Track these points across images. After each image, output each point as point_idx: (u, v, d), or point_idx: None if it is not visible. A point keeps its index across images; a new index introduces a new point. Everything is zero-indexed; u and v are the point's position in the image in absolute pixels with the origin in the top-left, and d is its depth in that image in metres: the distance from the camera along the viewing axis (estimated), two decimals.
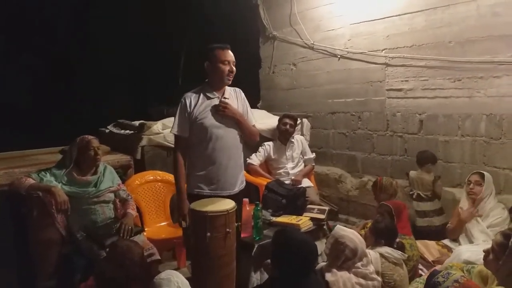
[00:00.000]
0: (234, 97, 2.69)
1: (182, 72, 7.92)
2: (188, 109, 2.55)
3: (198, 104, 2.57)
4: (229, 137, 2.63)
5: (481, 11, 3.45)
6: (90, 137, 2.84)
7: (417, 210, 3.50)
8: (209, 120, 2.56)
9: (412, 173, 3.61)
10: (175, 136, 2.60)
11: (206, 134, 2.56)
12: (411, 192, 3.59)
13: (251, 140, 2.77)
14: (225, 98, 2.59)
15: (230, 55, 2.57)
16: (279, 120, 4.15)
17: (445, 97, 3.77)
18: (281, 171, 4.05)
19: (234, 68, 2.59)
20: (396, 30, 4.06)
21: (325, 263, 2.39)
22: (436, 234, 3.26)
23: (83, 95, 7.45)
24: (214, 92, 2.61)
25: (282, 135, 4.09)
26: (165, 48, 7.67)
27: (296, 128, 4.21)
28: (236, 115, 2.61)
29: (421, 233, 3.28)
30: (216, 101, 2.58)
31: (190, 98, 2.58)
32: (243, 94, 2.76)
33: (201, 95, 2.60)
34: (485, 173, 3.08)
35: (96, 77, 7.49)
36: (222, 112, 2.56)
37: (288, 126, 4.06)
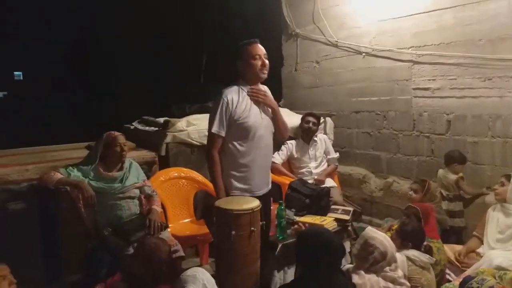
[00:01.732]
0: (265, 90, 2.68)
1: (204, 70, 7.97)
2: (230, 108, 2.49)
3: (239, 102, 2.52)
4: (267, 135, 2.64)
5: None
6: (116, 133, 2.87)
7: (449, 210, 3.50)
8: (252, 120, 2.53)
9: (439, 172, 3.59)
10: (213, 134, 2.52)
11: (248, 133, 2.53)
12: (435, 192, 3.57)
13: (282, 136, 2.77)
14: (253, 88, 2.58)
15: (260, 48, 2.54)
16: (302, 119, 4.12)
17: (474, 96, 3.66)
18: (303, 170, 4.02)
19: (267, 61, 2.55)
20: (424, 28, 3.97)
21: (351, 265, 2.36)
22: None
23: (107, 92, 7.57)
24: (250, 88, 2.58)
25: (305, 134, 4.07)
26: (187, 47, 7.74)
27: (319, 127, 4.18)
28: (273, 103, 2.63)
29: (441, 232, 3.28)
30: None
31: (231, 96, 2.51)
32: (269, 90, 2.74)
33: (240, 93, 2.55)
34: None
35: (120, 74, 7.61)
36: (262, 99, 2.55)
37: (311, 124, 4.03)
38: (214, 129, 2.50)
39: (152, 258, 2.06)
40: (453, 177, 3.48)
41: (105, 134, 2.86)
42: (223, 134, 2.51)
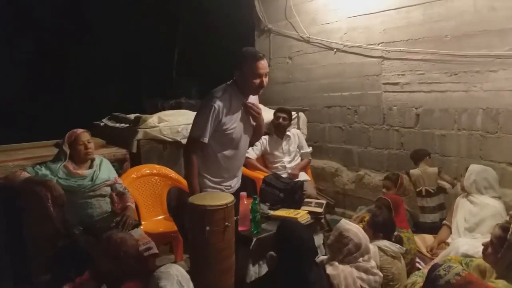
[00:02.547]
0: (252, 97, 2.65)
1: (176, 64, 7.87)
2: (220, 116, 2.43)
3: (229, 112, 2.47)
4: (246, 144, 2.69)
5: (478, 6, 3.45)
6: (79, 131, 2.79)
7: (424, 207, 3.45)
8: (238, 131, 2.53)
9: (415, 171, 3.55)
10: (194, 139, 2.47)
11: (231, 143, 2.54)
12: (417, 190, 3.50)
13: (256, 141, 2.80)
14: (250, 103, 2.57)
15: (263, 67, 2.44)
16: (273, 114, 4.13)
17: (442, 91, 3.77)
18: (277, 165, 4.04)
19: (266, 80, 2.48)
20: (393, 24, 4.05)
21: (325, 256, 2.40)
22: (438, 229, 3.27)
23: (77, 87, 7.38)
24: (243, 99, 2.54)
25: (276, 129, 4.09)
26: (158, 41, 7.61)
27: (291, 121, 4.20)
28: (262, 121, 2.65)
29: (428, 230, 3.30)
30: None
31: (223, 104, 2.43)
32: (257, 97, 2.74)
33: (231, 101, 2.48)
34: (480, 166, 3.10)
35: (89, 69, 7.41)
36: (255, 117, 2.56)
37: (281, 120, 4.05)
38: (199, 134, 2.45)
39: (118, 253, 2.04)
40: (434, 169, 3.50)
41: (68, 132, 2.79)
42: (206, 141, 2.46)
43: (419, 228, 3.35)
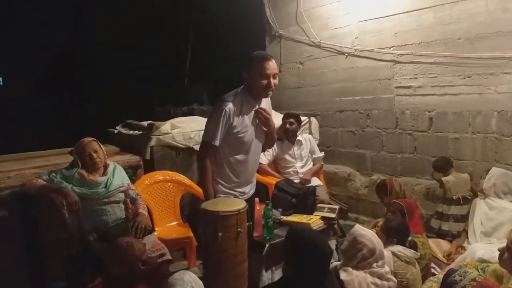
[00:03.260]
0: (264, 103, 2.64)
1: (188, 72, 7.94)
2: (231, 119, 2.43)
3: (240, 115, 2.47)
4: (258, 149, 2.68)
5: (490, 7, 3.41)
6: (86, 140, 2.81)
7: (455, 215, 3.30)
8: (249, 135, 2.53)
9: (449, 178, 3.42)
10: (208, 143, 2.47)
11: (242, 147, 2.54)
12: (454, 197, 3.33)
13: (269, 147, 2.78)
14: (261, 108, 2.56)
15: (271, 67, 2.42)
16: (282, 120, 4.13)
17: (455, 94, 3.73)
18: (290, 170, 4.04)
19: (275, 81, 2.46)
20: (404, 27, 4.03)
21: (338, 262, 2.38)
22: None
23: (91, 96, 7.49)
24: (254, 103, 2.53)
25: (286, 135, 4.07)
26: (170, 49, 7.70)
27: (300, 125, 4.18)
28: (273, 127, 2.62)
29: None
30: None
31: (234, 107, 2.42)
32: (269, 98, 2.69)
33: (242, 105, 2.47)
34: (502, 170, 3.05)
35: (103, 78, 7.53)
36: (263, 121, 2.54)
37: (288, 125, 4.04)
38: (211, 137, 2.45)
39: (125, 257, 2.05)
40: (465, 175, 3.37)
41: (78, 141, 2.82)
42: (217, 144, 2.46)
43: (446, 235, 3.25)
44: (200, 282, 1.96)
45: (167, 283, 1.93)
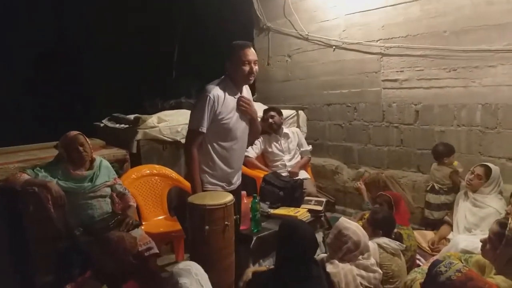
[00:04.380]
0: (246, 93, 2.71)
1: (176, 65, 7.89)
2: (216, 106, 2.49)
3: (224, 102, 2.53)
4: (244, 138, 2.70)
5: (475, 1, 3.44)
6: (72, 133, 2.77)
7: (430, 202, 3.44)
8: (234, 122, 2.57)
9: (432, 166, 3.52)
10: (194, 131, 2.52)
11: (227, 134, 2.58)
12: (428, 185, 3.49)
13: (255, 138, 2.81)
14: (242, 96, 2.62)
15: (251, 54, 2.53)
16: (263, 116, 4.08)
17: (441, 87, 3.77)
18: (277, 163, 4.04)
19: (256, 67, 2.55)
20: (391, 20, 4.05)
21: (325, 254, 2.40)
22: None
23: (77, 89, 7.39)
24: (236, 90, 2.60)
25: (271, 128, 4.05)
26: (157, 41, 7.63)
27: (282, 116, 4.14)
28: (254, 113, 2.67)
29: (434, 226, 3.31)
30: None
31: (217, 94, 2.50)
32: (249, 88, 2.77)
33: (225, 93, 2.54)
34: (493, 167, 3.03)
35: (90, 71, 7.43)
36: (245, 109, 2.59)
37: (270, 119, 4.01)
38: (197, 125, 2.50)
39: (117, 251, 2.04)
40: (447, 170, 3.40)
41: (63, 135, 2.78)
42: (204, 130, 2.51)
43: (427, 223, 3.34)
44: (205, 275, 1.87)
45: (172, 273, 1.86)
